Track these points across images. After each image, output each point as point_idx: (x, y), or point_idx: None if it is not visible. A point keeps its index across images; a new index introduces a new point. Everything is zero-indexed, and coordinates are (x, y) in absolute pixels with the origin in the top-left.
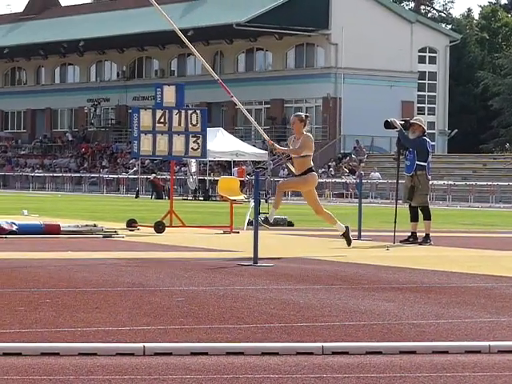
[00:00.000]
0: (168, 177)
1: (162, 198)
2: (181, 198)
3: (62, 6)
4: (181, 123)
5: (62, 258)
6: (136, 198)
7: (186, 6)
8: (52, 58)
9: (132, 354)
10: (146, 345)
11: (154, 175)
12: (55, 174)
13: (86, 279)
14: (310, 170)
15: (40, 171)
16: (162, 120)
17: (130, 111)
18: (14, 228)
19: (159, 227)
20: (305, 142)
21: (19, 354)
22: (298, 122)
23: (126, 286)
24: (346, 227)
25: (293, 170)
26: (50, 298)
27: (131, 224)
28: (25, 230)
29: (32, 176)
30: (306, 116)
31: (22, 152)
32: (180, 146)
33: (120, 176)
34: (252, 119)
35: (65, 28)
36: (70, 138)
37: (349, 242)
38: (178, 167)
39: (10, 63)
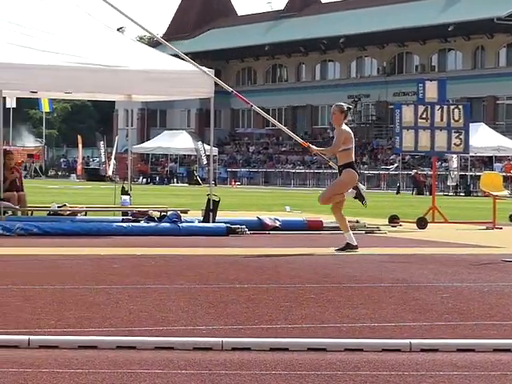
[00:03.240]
0: (429, 172)
1: (422, 194)
2: (442, 193)
3: (322, 2)
4: (443, 118)
5: (326, 253)
6: (397, 193)
7: (446, 1)
8: (312, 54)
9: (398, 350)
10: (412, 341)
11: (415, 171)
12: (316, 171)
13: (349, 275)
14: (349, 165)
15: (301, 167)
16: (424, 116)
17: (391, 107)
18: (278, 224)
19: (422, 223)
20: (339, 136)
21: (286, 350)
22: (338, 113)
23: (389, 281)
24: (355, 246)
25: (334, 166)
26: (314, 293)
27: (393, 220)
28: (288, 226)
29: (293, 172)
30: (349, 108)
31: (283, 149)
32: (442, 141)
33: (381, 172)
34: (278, 123)
35: (325, 25)
36: (331, 135)
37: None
38: (438, 163)
39: (271, 60)
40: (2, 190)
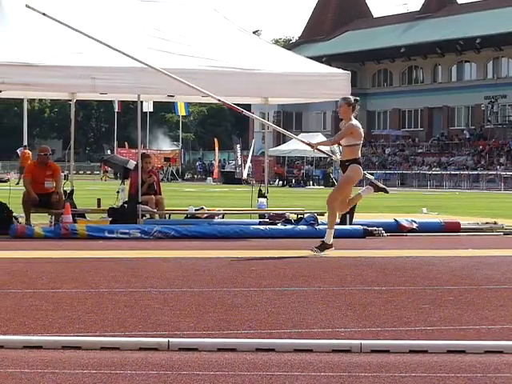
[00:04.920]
0: None
1: None
2: None
3: (459, 3)
4: None
5: (463, 255)
6: None
7: None
8: (448, 55)
9: None
10: None
11: None
12: (452, 172)
13: (488, 277)
14: (355, 160)
15: (437, 169)
16: None
17: None
18: (415, 226)
19: None
20: (346, 130)
21: (425, 352)
22: (345, 106)
23: None
24: (330, 244)
25: (337, 159)
26: (453, 295)
27: None
28: (425, 228)
29: (429, 174)
30: (356, 100)
31: (419, 150)
32: None
33: None
34: (274, 125)
35: (461, 25)
36: (467, 136)
37: (318, 250)
38: None
39: (407, 62)
40: (140, 193)
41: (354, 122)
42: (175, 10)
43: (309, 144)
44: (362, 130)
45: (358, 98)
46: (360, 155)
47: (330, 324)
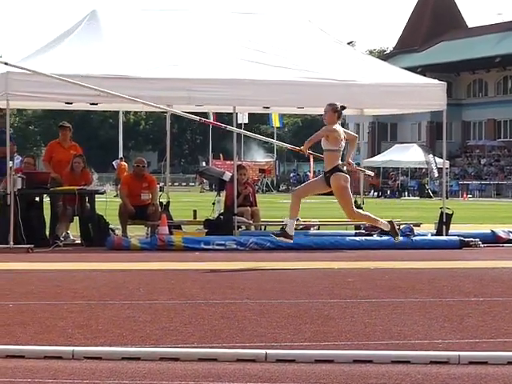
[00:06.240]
0: None
1: None
2: None
3: None
4: None
5: None
6: None
7: None
8: None
9: None
10: None
11: None
12: None
13: None
14: (334, 169)
15: None
16: None
17: None
18: None
19: None
20: (322, 131)
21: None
22: (330, 112)
23: None
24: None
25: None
26: None
27: None
28: None
29: None
30: (343, 107)
31: None
32: None
33: None
34: (260, 137)
35: None
36: None
37: (397, 237)
38: None
39: (502, 72)
40: (236, 204)
41: (335, 126)
42: (270, 22)
43: (300, 150)
44: (341, 138)
45: (345, 106)
46: (340, 161)
47: (427, 335)
